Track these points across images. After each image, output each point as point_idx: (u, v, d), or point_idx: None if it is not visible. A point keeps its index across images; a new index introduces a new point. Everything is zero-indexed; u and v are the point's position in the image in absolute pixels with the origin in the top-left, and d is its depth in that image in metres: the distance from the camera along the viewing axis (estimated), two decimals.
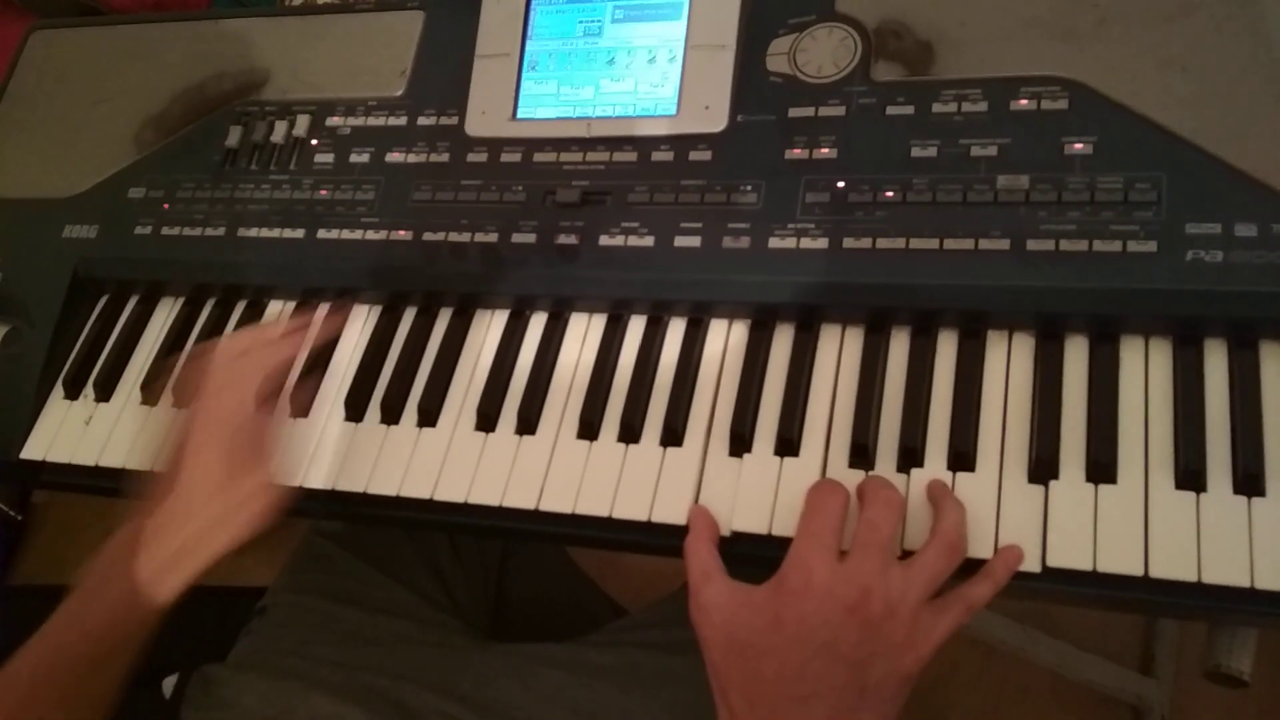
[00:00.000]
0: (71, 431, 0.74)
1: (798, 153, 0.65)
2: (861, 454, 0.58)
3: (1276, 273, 0.54)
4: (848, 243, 0.62)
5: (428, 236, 0.71)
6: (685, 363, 0.64)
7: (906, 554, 0.52)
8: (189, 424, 0.60)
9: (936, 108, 0.63)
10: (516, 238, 0.69)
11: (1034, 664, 1.19)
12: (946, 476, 0.56)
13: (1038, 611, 1.22)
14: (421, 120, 0.75)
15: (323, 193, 0.75)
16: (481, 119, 0.73)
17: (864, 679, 0.48)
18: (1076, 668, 1.18)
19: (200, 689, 0.72)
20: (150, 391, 0.74)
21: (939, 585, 0.51)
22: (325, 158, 0.77)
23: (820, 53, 0.67)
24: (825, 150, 0.65)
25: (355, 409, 0.69)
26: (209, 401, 0.60)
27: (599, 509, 0.61)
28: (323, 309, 0.73)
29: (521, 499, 0.62)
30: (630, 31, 0.72)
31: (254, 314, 0.75)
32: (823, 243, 0.62)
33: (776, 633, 0.49)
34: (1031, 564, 0.53)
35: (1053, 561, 0.53)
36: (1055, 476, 0.55)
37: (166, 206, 0.79)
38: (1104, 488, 0.54)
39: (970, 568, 0.53)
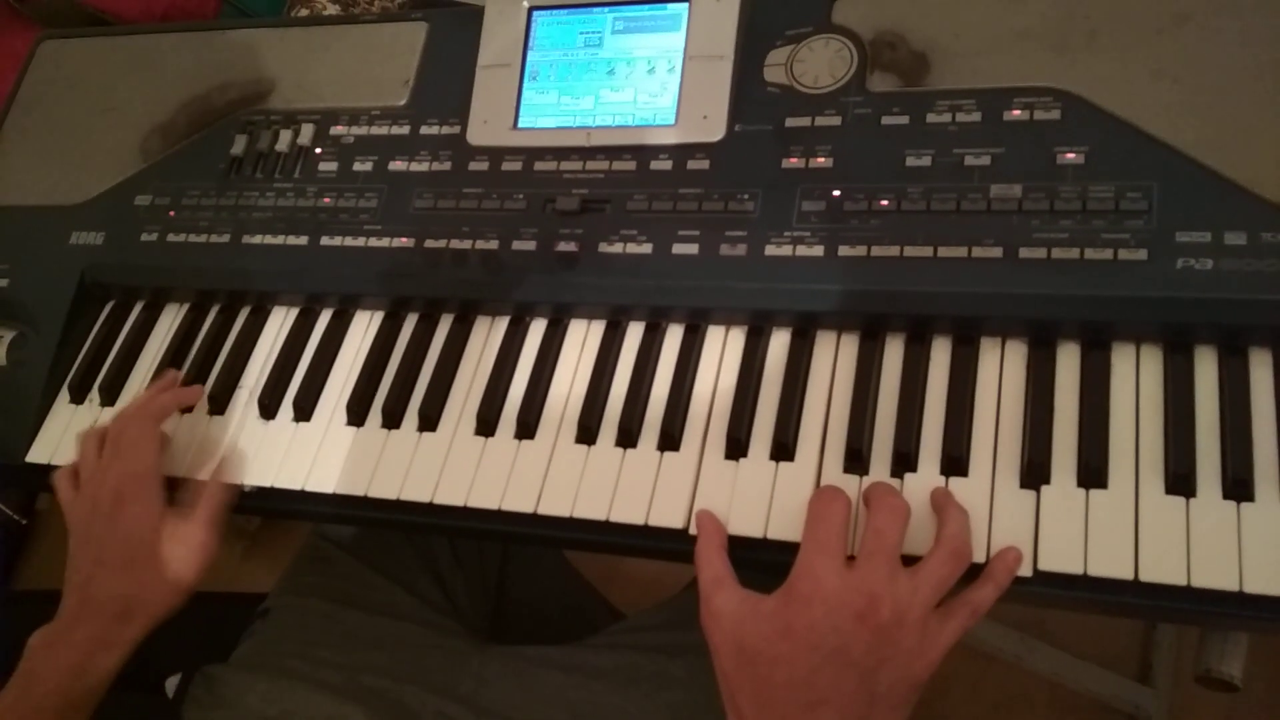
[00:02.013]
0: (77, 436, 0.75)
1: (794, 162, 0.66)
2: (856, 459, 0.59)
3: (1266, 280, 0.55)
4: (843, 250, 0.62)
5: (429, 244, 0.72)
6: (682, 369, 0.65)
7: (906, 559, 0.52)
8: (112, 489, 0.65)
9: (931, 118, 0.64)
10: (517, 245, 0.70)
11: (1031, 673, 1.19)
12: (939, 481, 0.57)
13: (1035, 620, 1.22)
14: (424, 129, 0.76)
15: (326, 200, 0.76)
16: (483, 128, 0.74)
17: (873, 686, 0.49)
18: (1074, 676, 1.18)
19: (203, 689, 0.73)
20: None
21: (945, 591, 0.51)
22: (329, 166, 0.78)
23: (817, 63, 0.68)
24: (821, 159, 0.65)
25: (357, 414, 0.70)
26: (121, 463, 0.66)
27: (597, 512, 0.61)
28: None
29: (520, 502, 0.63)
30: (630, 43, 0.72)
31: (258, 320, 0.76)
32: (818, 250, 0.63)
33: (786, 640, 0.50)
34: (1023, 568, 0.53)
35: (1044, 565, 0.53)
36: (1047, 481, 0.55)
37: (172, 214, 0.80)
38: (1095, 492, 0.54)
39: (967, 573, 0.53)
